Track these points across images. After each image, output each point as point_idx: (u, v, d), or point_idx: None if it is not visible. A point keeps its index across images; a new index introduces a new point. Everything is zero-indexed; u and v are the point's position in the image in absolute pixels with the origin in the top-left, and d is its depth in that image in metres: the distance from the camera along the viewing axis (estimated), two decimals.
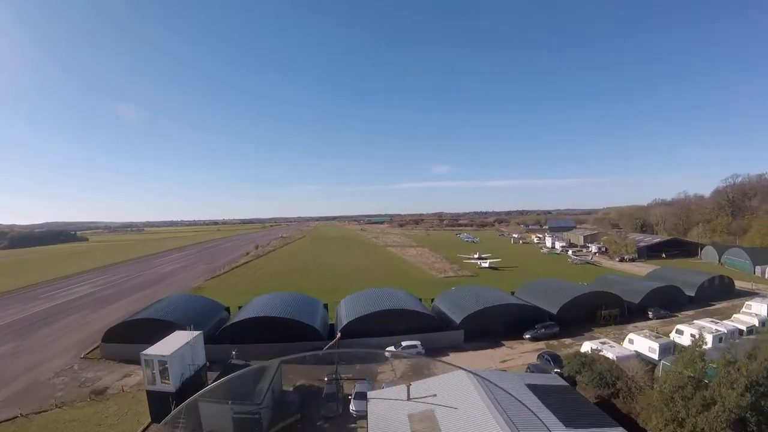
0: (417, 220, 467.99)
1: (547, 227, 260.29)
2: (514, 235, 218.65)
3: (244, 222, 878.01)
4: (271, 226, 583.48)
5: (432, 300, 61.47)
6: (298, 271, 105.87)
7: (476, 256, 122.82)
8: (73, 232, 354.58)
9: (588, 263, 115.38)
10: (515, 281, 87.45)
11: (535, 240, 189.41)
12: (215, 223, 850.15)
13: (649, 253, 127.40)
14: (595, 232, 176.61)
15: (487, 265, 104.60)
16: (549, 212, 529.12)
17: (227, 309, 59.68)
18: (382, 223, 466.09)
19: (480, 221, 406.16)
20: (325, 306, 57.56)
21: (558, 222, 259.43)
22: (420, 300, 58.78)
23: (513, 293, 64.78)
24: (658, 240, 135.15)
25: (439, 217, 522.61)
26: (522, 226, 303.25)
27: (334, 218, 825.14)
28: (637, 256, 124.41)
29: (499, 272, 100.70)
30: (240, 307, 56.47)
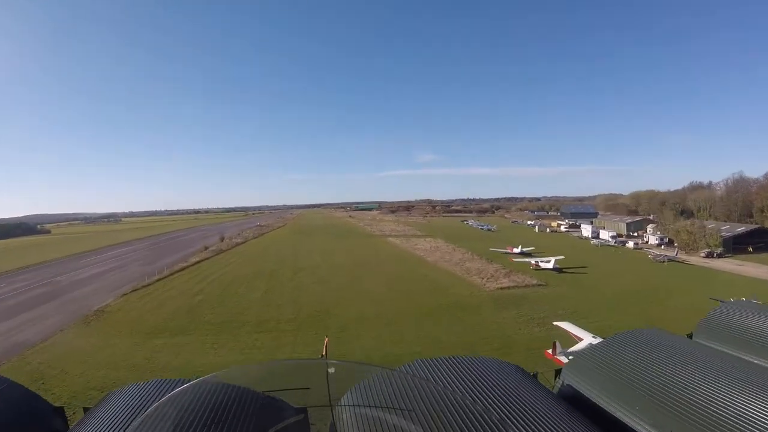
0: (408, 207, 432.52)
1: (560, 213, 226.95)
2: (528, 222, 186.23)
3: (227, 210, 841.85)
4: (254, 214, 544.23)
5: (556, 376, 25.59)
6: (267, 278, 69.77)
7: (518, 250, 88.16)
8: (34, 225, 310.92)
9: (673, 261, 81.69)
10: (610, 294, 53.97)
11: (563, 229, 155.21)
12: (197, 212, 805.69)
13: (734, 245, 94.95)
14: (639, 218, 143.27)
15: (551, 266, 69.77)
16: (538, 199, 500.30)
17: (60, 411, 23.25)
18: (370, 209, 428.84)
19: (477, 207, 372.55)
20: (303, 413, 21.12)
21: (576, 208, 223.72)
22: (535, 376, 23.14)
23: (690, 336, 29.70)
24: (742, 230, 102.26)
25: (430, 203, 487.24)
26: (527, 212, 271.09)
27: (319, 206, 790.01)
28: (723, 250, 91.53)
29: (570, 276, 66.28)
30: (87, 410, 20.36)
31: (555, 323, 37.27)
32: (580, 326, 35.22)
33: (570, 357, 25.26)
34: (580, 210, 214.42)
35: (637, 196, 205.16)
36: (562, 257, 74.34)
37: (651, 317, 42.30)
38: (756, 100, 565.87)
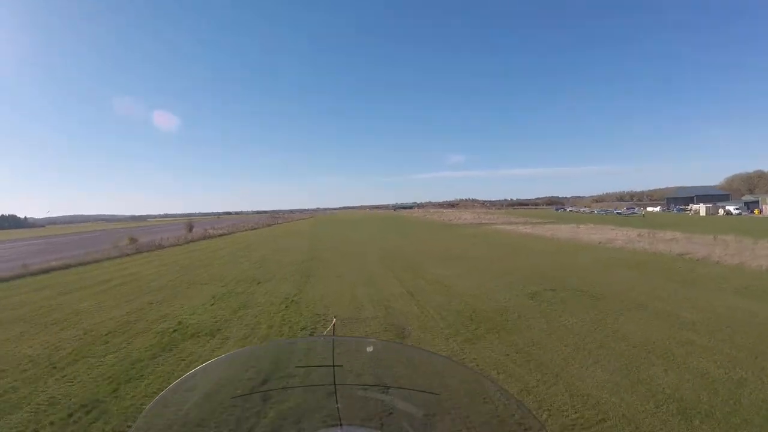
0: (452, 204, 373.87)
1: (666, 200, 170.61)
2: (650, 209, 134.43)
3: (258, 212, 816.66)
4: (282, 215, 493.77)
5: None
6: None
7: None
8: (24, 219, 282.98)
9: None
10: None
11: (734, 211, 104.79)
12: (228, 213, 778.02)
13: None
14: None
15: None
16: (582, 198, 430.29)
17: None
18: (411, 207, 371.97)
19: (531, 203, 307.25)
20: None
21: (705, 190, 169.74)
22: None
23: None
24: None
25: (476, 202, 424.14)
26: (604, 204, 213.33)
27: (350, 208, 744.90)
28: None
29: None
30: None
31: None
32: None
33: None
34: (709, 192, 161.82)
35: (747, 179, 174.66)
36: None
37: None
38: None
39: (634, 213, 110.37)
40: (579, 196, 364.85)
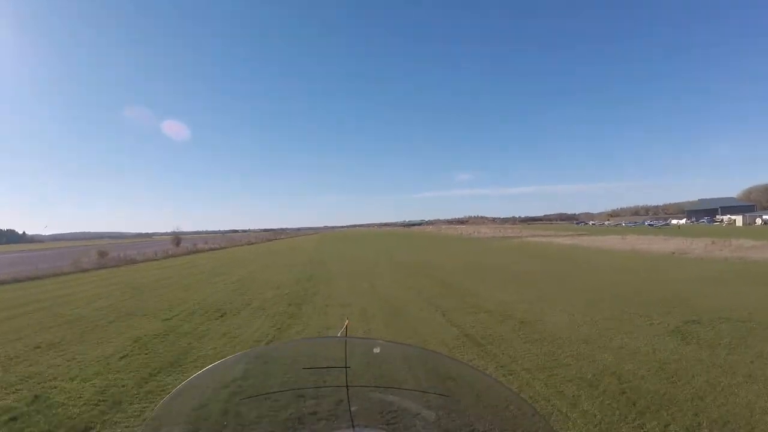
0: (461, 221, 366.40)
1: (686, 212, 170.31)
2: (673, 221, 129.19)
3: (265, 230, 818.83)
4: (288, 233, 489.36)
5: None
6: None
7: None
8: (24, 234, 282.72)
9: None
10: None
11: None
12: (234, 231, 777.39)
13: None
14: None
15: None
16: (591, 214, 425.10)
17: None
18: (420, 224, 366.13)
19: (553, 218, 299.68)
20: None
21: (727, 202, 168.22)
22: None
23: None
24: None
25: (485, 219, 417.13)
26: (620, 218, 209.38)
27: (356, 226, 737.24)
28: None
29: None
30: None
31: None
32: None
33: None
34: (728, 205, 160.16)
35: (765, 191, 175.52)
36: None
37: None
38: None
39: (666, 225, 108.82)
40: (589, 212, 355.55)
